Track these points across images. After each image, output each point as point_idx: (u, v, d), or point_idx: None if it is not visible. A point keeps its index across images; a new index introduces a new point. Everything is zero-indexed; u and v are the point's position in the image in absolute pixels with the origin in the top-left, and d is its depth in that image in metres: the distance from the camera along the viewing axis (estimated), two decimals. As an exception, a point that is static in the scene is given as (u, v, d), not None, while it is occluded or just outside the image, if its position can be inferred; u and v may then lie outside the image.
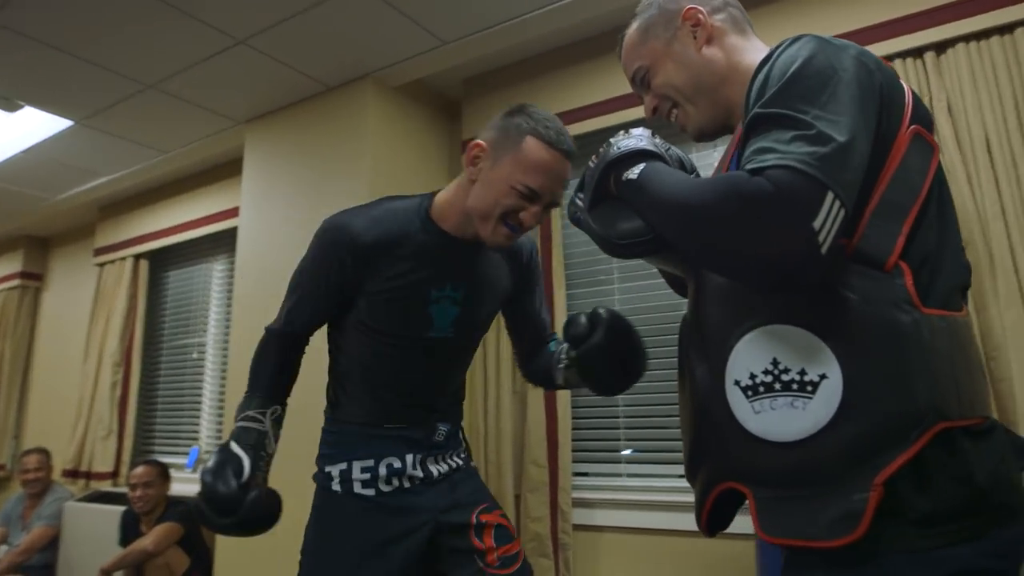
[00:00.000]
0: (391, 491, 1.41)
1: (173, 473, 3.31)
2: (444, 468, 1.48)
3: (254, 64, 2.85)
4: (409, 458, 1.42)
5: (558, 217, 2.79)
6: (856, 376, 0.75)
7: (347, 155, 2.96)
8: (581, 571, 2.55)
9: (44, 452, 3.92)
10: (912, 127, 0.83)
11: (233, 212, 3.72)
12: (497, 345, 2.77)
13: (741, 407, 0.82)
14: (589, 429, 2.74)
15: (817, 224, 0.72)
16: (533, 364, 1.58)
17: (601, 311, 1.29)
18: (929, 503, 0.73)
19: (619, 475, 2.65)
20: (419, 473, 1.43)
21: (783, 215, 0.74)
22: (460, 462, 1.53)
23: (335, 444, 1.46)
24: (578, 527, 2.56)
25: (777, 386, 0.79)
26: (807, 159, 0.74)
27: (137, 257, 4.32)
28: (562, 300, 2.72)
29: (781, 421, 0.78)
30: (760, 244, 0.76)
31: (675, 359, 2.59)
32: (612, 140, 1.00)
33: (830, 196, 0.73)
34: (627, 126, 2.67)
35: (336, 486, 1.41)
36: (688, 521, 2.36)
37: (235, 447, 1.30)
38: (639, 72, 1.09)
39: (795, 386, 0.78)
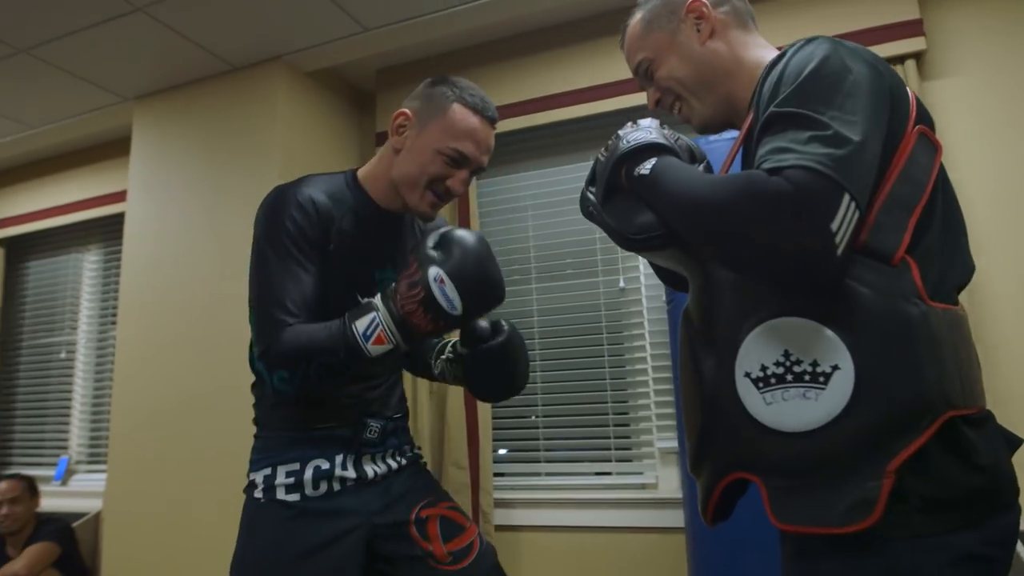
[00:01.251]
0: (319, 495, 1.30)
1: (40, 487, 2.97)
2: (382, 468, 1.37)
3: (151, 35, 2.61)
4: (338, 458, 1.32)
5: (475, 216, 2.76)
6: (868, 366, 0.77)
7: (254, 141, 2.78)
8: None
9: None
10: (918, 127, 0.87)
11: (114, 197, 3.40)
12: (416, 344, 2.70)
13: (752, 398, 0.83)
14: (508, 429, 2.73)
15: (835, 225, 0.74)
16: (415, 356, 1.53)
17: (504, 323, 1.33)
18: (934, 490, 0.77)
19: (538, 474, 2.66)
20: (351, 474, 1.33)
21: (802, 216, 0.75)
22: (403, 461, 1.43)
23: (261, 449, 1.35)
24: (500, 527, 2.55)
25: (789, 377, 0.81)
26: (825, 160, 0.75)
27: (-11, 243, 3.84)
28: (483, 299, 2.69)
29: (793, 412, 0.80)
30: (777, 244, 0.77)
31: (589, 358, 2.63)
32: (621, 133, 0.99)
33: (847, 198, 0.75)
34: (546, 128, 2.74)
35: (259, 494, 1.30)
36: (608, 517, 2.45)
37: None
38: (642, 64, 1.09)
39: (807, 377, 0.80)
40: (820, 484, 0.79)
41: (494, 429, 2.65)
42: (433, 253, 1.12)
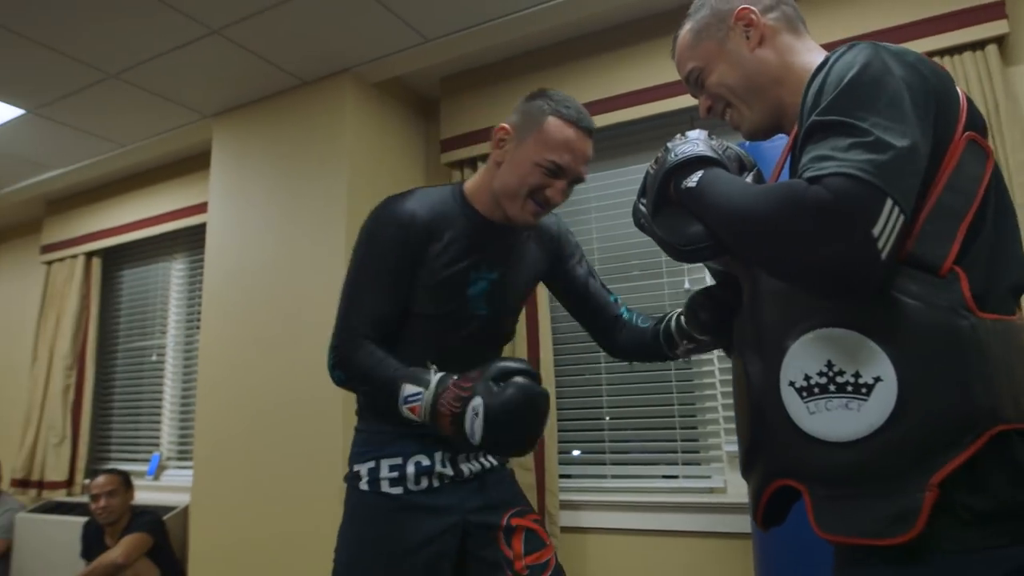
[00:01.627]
0: (420, 490, 1.37)
1: (134, 481, 3.17)
2: (476, 467, 1.44)
3: (227, 55, 2.75)
4: (438, 455, 1.39)
5: (540, 218, 2.78)
6: (911, 379, 0.77)
7: (324, 152, 2.89)
8: (569, 573, 2.55)
9: (-9, 461, 3.71)
10: (967, 133, 0.84)
11: (197, 208, 3.59)
12: (481, 347, 2.75)
13: (796, 407, 0.84)
14: (574, 431, 2.74)
15: (876, 231, 0.74)
16: (616, 342, 1.53)
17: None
18: (985, 503, 0.75)
19: (604, 476, 2.66)
20: (449, 471, 1.39)
21: (842, 223, 0.75)
22: (494, 462, 1.48)
23: (364, 443, 1.43)
24: (566, 529, 2.56)
25: (832, 388, 0.81)
26: (866, 166, 0.75)
27: (89, 255, 4.12)
28: (545, 303, 2.71)
29: (836, 422, 0.80)
30: (820, 252, 0.77)
31: (659, 362, 2.61)
32: (670, 145, 1.01)
33: (889, 203, 0.74)
34: (608, 130, 2.74)
35: (364, 485, 1.38)
36: (675, 521, 2.42)
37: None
38: (693, 72, 1.10)
39: (850, 388, 0.80)
40: (863, 495, 0.79)
41: (559, 431, 2.66)
42: (492, 384, 1.17)
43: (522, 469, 2.56)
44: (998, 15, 2.14)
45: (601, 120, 2.68)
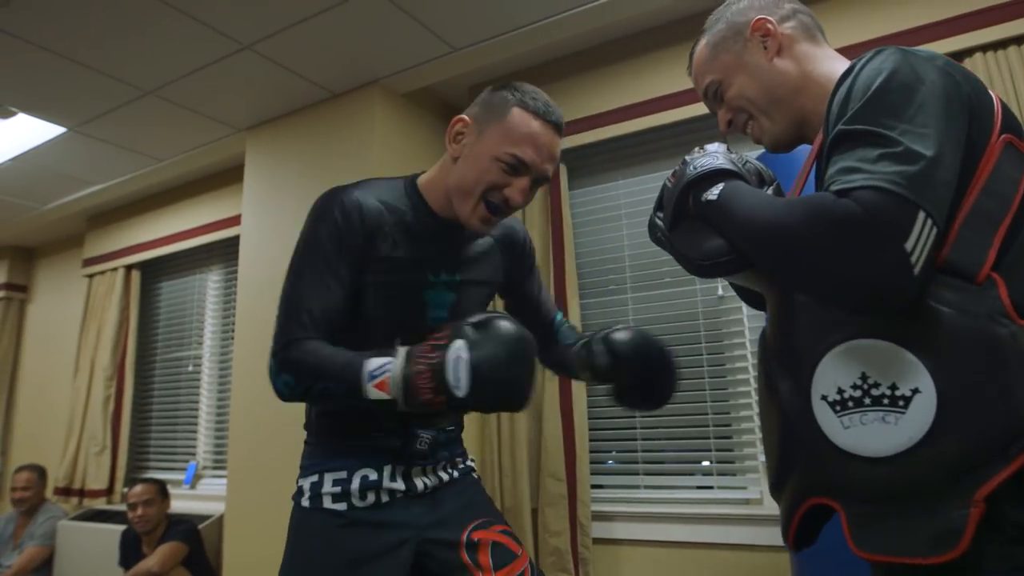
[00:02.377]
0: (366, 506, 1.25)
1: (171, 490, 3.22)
2: (432, 481, 1.32)
3: (259, 70, 2.79)
4: (387, 469, 1.27)
5: (569, 226, 2.76)
6: (951, 390, 0.74)
7: (354, 163, 2.91)
8: (602, 586, 2.52)
9: (37, 469, 3.79)
10: (1003, 136, 0.81)
11: (231, 221, 3.65)
12: (510, 356, 2.73)
13: (829, 422, 0.81)
14: (606, 441, 2.70)
15: (909, 245, 0.71)
16: (547, 353, 1.49)
17: (624, 340, 1.29)
18: None
19: (637, 487, 2.61)
20: (399, 486, 1.27)
21: (874, 238, 0.73)
22: (455, 473, 1.37)
23: (309, 456, 1.33)
24: (598, 541, 2.52)
25: (867, 401, 0.78)
26: (896, 179, 0.72)
27: (128, 268, 4.22)
28: (576, 309, 2.68)
29: (872, 436, 0.77)
30: (850, 267, 0.75)
31: (688, 368, 2.57)
32: (688, 158, 0.99)
33: (921, 215, 0.72)
34: (637, 136, 2.71)
35: (305, 501, 1.27)
36: (709, 533, 2.37)
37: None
38: (711, 87, 1.08)
39: (886, 401, 0.77)
40: (902, 512, 0.76)
41: (591, 440, 2.63)
42: (469, 330, 1.06)
43: (553, 480, 2.53)
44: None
45: (633, 125, 2.66)
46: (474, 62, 2.82)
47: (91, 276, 4.41)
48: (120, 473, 3.94)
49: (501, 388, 1.05)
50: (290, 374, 1.15)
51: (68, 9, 2.37)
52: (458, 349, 1.04)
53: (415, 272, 1.27)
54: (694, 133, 2.64)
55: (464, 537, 1.29)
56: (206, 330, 4.00)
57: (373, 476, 1.26)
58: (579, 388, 2.61)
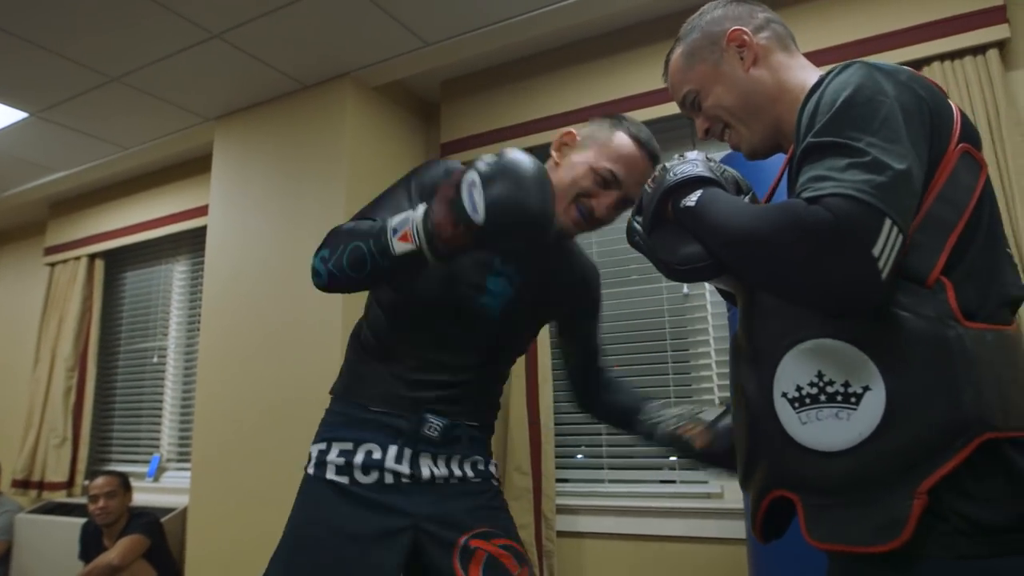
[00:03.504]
0: (369, 483, 1.25)
1: (134, 483, 3.18)
2: (441, 471, 1.29)
3: (228, 59, 2.76)
4: (392, 449, 1.26)
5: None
6: (899, 388, 0.78)
7: (324, 155, 2.90)
8: (565, 578, 2.55)
9: (-8, 463, 3.72)
10: (960, 145, 0.85)
11: (198, 211, 3.60)
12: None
13: (788, 418, 0.85)
14: (572, 435, 2.73)
15: (876, 251, 0.75)
16: (599, 397, 1.51)
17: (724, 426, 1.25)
18: (979, 512, 0.75)
19: (601, 481, 2.65)
20: (403, 469, 1.25)
21: (842, 243, 0.76)
22: (470, 474, 1.33)
23: (324, 423, 1.35)
24: (562, 534, 2.55)
25: (822, 398, 0.82)
26: (864, 187, 0.76)
27: (92, 257, 4.14)
28: (544, 305, 2.71)
29: (826, 431, 0.81)
30: (820, 272, 0.78)
31: (653, 364, 2.61)
32: (668, 165, 1.01)
33: (888, 222, 0.75)
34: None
35: (311, 468, 1.29)
36: (671, 526, 2.41)
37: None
38: (688, 95, 1.10)
39: (839, 398, 0.81)
40: (853, 503, 0.80)
41: (557, 435, 2.66)
42: (481, 164, 1.06)
43: (519, 473, 2.56)
44: (999, 19, 2.13)
45: (600, 124, 2.68)
46: (446, 57, 2.82)
47: (53, 265, 4.31)
48: (81, 465, 3.87)
49: (516, 207, 1.03)
50: (326, 248, 1.19)
51: (31, -8, 2.32)
52: (471, 178, 1.04)
53: (483, 256, 1.31)
54: (665, 132, 2.66)
55: (462, 541, 1.25)
56: (171, 321, 3.95)
57: (377, 454, 1.26)
58: (545, 382, 2.64)
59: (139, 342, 4.09)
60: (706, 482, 2.48)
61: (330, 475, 1.27)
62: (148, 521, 2.97)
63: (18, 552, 3.54)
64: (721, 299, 2.50)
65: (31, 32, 2.56)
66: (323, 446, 1.30)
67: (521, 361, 2.65)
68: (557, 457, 2.64)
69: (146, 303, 4.12)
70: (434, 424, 1.29)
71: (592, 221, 1.32)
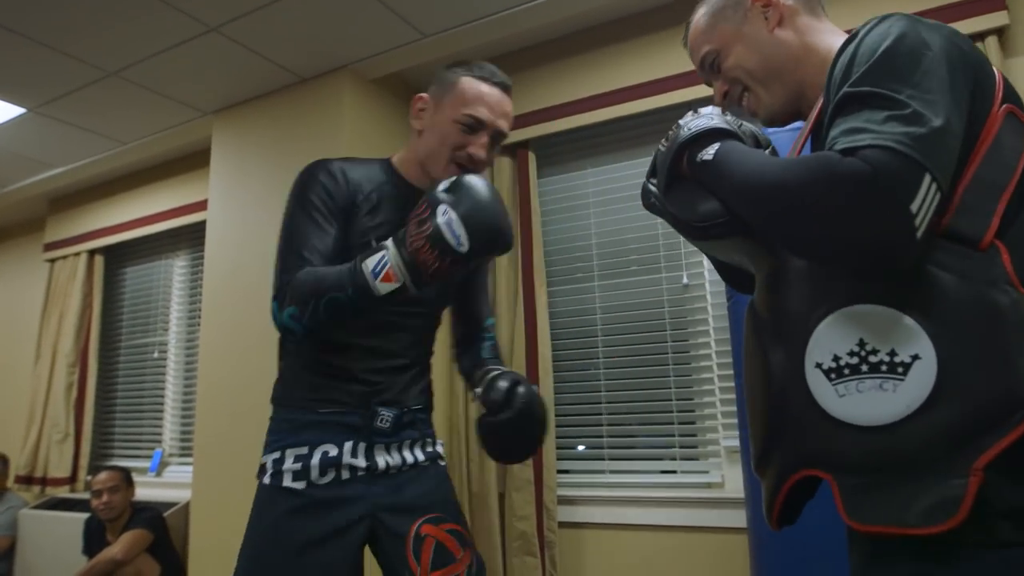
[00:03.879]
0: (326, 483, 1.29)
1: (136, 478, 3.19)
2: (395, 460, 1.35)
3: (226, 53, 2.76)
4: (348, 446, 1.31)
5: (538, 214, 2.78)
6: (952, 357, 0.72)
7: (322, 148, 2.88)
8: (567, 568, 2.56)
9: (0, 458, 3.72)
10: (1005, 106, 0.81)
11: (198, 206, 3.60)
12: (479, 343, 2.75)
13: (823, 390, 0.78)
14: (572, 427, 2.74)
15: (914, 207, 0.70)
16: (463, 355, 1.53)
17: (522, 390, 1.27)
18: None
19: (603, 472, 2.66)
20: (360, 463, 1.30)
21: (880, 197, 0.71)
22: (420, 457, 1.40)
23: (273, 432, 1.37)
24: (563, 524, 2.56)
25: (864, 368, 0.76)
26: (904, 139, 0.71)
27: (92, 252, 4.13)
28: (543, 298, 2.71)
29: (869, 404, 0.75)
30: (853, 227, 0.73)
31: (653, 355, 2.61)
32: (681, 121, 0.97)
33: (927, 178, 0.71)
34: (606, 125, 2.73)
35: (267, 479, 1.31)
36: (671, 516, 2.42)
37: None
38: (708, 56, 1.06)
39: (884, 368, 0.74)
40: (898, 482, 0.73)
41: (558, 427, 2.66)
42: (443, 195, 1.13)
43: (520, 465, 2.56)
44: (998, 6, 2.12)
45: (599, 115, 2.68)
46: (444, 49, 2.81)
47: (53, 261, 4.31)
48: (83, 461, 3.88)
49: (493, 231, 1.12)
50: (292, 305, 1.22)
51: (27, -14, 2.32)
52: (445, 212, 1.11)
53: (393, 231, 1.30)
54: (664, 123, 2.66)
55: (413, 529, 1.32)
56: (172, 316, 3.95)
57: (334, 452, 1.30)
58: (545, 374, 2.64)
59: (140, 337, 4.09)
60: (707, 472, 2.49)
61: (287, 482, 1.29)
62: (151, 516, 2.98)
63: (22, 547, 3.55)
64: (721, 290, 2.52)
65: (29, 28, 2.55)
66: (277, 455, 1.31)
67: (521, 353, 2.66)
68: (558, 448, 2.64)
69: (146, 298, 4.12)
70: (385, 416, 1.35)
71: (476, 165, 1.34)
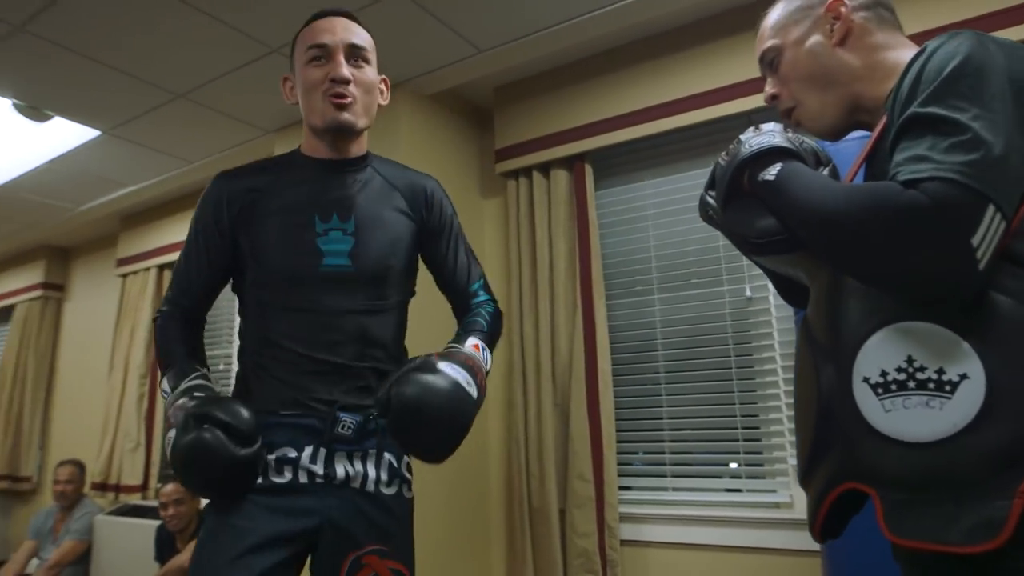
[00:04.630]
0: (283, 483, 1.21)
1: (204, 487, 3.27)
2: (355, 470, 1.25)
3: (283, 71, 2.81)
4: (308, 449, 1.23)
5: (595, 227, 2.75)
6: (1001, 378, 0.72)
7: (381, 165, 2.92)
8: (629, 588, 2.51)
9: (78, 464, 3.87)
10: None
11: (261, 222, 3.68)
12: (536, 356, 2.73)
13: (870, 405, 0.79)
14: (633, 442, 2.69)
15: (976, 240, 0.70)
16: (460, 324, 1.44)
17: (406, 390, 1.12)
18: None
19: (665, 489, 2.60)
20: (318, 469, 1.22)
21: (940, 232, 0.71)
22: (385, 478, 1.28)
23: None
24: (626, 542, 2.51)
25: (911, 384, 0.76)
26: (966, 169, 0.70)
27: (161, 268, 4.29)
28: (602, 312, 2.67)
29: (914, 421, 0.75)
30: (912, 260, 0.73)
31: (716, 370, 2.54)
32: (743, 137, 0.98)
33: (991, 209, 0.70)
34: (663, 136, 2.68)
35: None
36: (738, 536, 2.35)
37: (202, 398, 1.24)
38: (769, 53, 1.06)
39: (931, 385, 0.75)
40: (941, 499, 0.74)
41: (618, 443, 2.62)
42: (190, 420, 1.17)
43: (581, 481, 2.53)
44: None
45: (656, 126, 2.64)
46: (500, 63, 2.81)
47: (124, 276, 4.49)
48: (154, 469, 4.01)
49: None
50: (156, 338, 1.37)
51: (101, 15, 2.42)
52: (170, 437, 1.19)
53: (302, 220, 1.29)
54: (722, 133, 2.61)
55: (353, 555, 1.22)
56: (235, 328, 4.05)
57: (292, 454, 1.23)
58: (605, 388, 2.61)
59: (207, 350, 4.20)
60: (774, 491, 2.41)
61: None
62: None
63: (97, 553, 3.68)
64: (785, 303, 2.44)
65: (100, 52, 2.66)
66: None
67: (580, 367, 2.62)
68: (619, 464, 2.60)
69: (213, 311, 4.20)
70: (347, 422, 1.25)
71: (347, 89, 1.27)
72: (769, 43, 1.05)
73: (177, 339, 1.34)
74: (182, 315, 1.38)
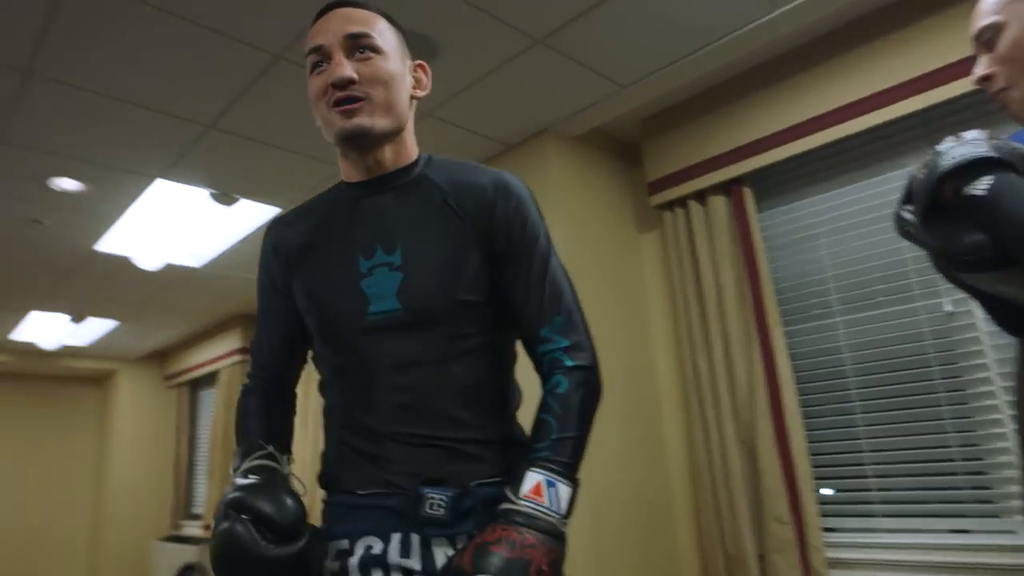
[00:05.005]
0: None
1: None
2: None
3: (440, 133, 2.95)
4: (396, 538, 0.99)
5: (761, 250, 2.61)
6: None
7: (534, 211, 2.96)
8: (845, 641, 2.30)
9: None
10: None
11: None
12: (714, 392, 2.62)
13: None
14: (831, 479, 2.49)
15: None
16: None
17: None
18: None
19: (875, 530, 2.37)
20: (414, 564, 0.97)
21: None
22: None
23: (322, 519, 1.10)
24: (837, 591, 2.32)
25: None
26: None
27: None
28: (780, 339, 2.51)
29: None
30: None
31: (920, 395, 2.29)
32: (941, 149, 0.91)
33: None
34: (823, 149, 2.51)
35: None
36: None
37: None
38: (987, 30, 0.97)
39: None
40: None
41: (815, 479, 2.43)
42: (220, 516, 0.98)
43: (778, 523, 2.37)
44: None
45: (816, 140, 2.48)
46: (643, 96, 2.78)
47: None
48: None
49: (212, 566, 0.97)
50: (236, 412, 1.21)
51: (277, 106, 2.67)
52: (218, 518, 0.98)
53: (343, 261, 1.09)
54: (893, 137, 2.41)
55: None
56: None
57: (378, 547, 0.99)
58: (793, 421, 2.44)
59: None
60: (1013, 532, 2.12)
61: None
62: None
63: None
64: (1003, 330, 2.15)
65: (279, 139, 2.94)
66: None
67: (763, 400, 2.48)
68: (820, 504, 2.41)
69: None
70: (435, 500, 0.98)
71: (352, 92, 1.04)
72: (991, 19, 0.97)
73: (252, 414, 1.17)
74: (263, 388, 1.22)
